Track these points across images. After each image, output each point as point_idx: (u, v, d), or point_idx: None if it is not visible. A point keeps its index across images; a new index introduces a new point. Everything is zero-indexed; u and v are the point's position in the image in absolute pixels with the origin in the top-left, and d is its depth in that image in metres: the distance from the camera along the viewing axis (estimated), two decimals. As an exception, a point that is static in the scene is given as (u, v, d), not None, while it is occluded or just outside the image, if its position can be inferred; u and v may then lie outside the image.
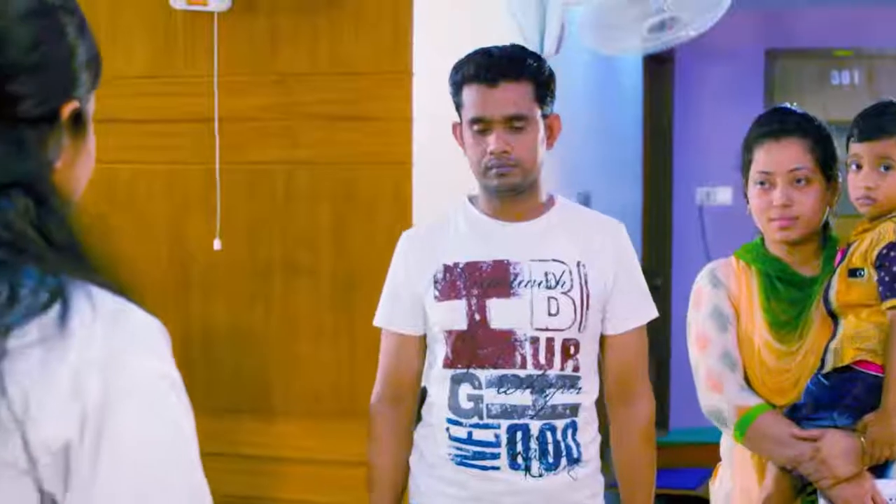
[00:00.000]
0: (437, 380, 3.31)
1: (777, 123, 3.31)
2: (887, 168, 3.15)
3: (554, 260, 3.25)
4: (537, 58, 3.30)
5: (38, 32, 1.48)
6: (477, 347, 3.22)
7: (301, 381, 4.38)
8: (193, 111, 4.44)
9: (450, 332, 3.26)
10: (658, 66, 8.67)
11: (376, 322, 3.41)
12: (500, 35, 3.79)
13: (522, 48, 3.32)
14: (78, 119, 1.51)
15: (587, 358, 3.28)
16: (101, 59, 1.60)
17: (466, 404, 3.24)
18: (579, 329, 3.24)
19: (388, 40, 4.23)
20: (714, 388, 3.25)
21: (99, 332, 1.39)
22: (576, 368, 3.25)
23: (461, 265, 3.26)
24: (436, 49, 4.30)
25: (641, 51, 5.88)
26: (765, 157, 3.27)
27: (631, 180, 8.32)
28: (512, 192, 3.25)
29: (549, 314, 3.21)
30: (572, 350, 3.24)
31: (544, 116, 3.25)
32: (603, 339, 3.33)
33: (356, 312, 4.27)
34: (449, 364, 3.26)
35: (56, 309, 1.36)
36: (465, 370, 3.24)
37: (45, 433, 1.32)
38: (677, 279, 8.54)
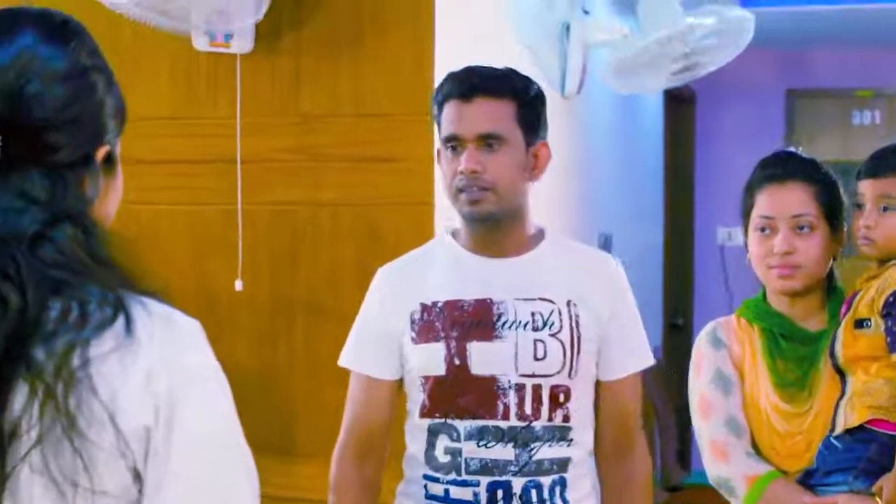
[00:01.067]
0: (413, 430, 3.03)
1: (781, 167, 3.18)
2: (886, 209, 3.03)
3: (541, 299, 2.96)
4: (525, 79, 3.04)
5: (72, 91, 1.71)
6: (456, 395, 2.93)
7: (324, 422, 4.37)
8: (216, 152, 4.45)
9: (427, 378, 2.96)
10: (679, 106, 8.68)
11: (341, 362, 3.14)
12: (522, 76, 3.80)
13: (512, 70, 3.06)
14: (108, 160, 1.77)
15: (580, 406, 2.98)
16: (125, 106, 1.86)
17: (444, 458, 2.95)
18: (570, 375, 2.94)
19: (410, 81, 4.24)
20: (720, 457, 3.07)
21: (157, 335, 1.66)
22: (566, 418, 2.95)
23: (440, 304, 2.97)
24: (457, 90, 4.30)
25: (662, 87, 5.89)
26: (767, 202, 3.13)
27: (652, 220, 8.31)
28: (488, 223, 2.96)
29: (536, 358, 2.91)
30: (562, 398, 2.94)
31: (529, 143, 2.97)
32: (597, 386, 3.06)
33: (378, 353, 4.26)
34: (425, 413, 2.97)
35: (121, 320, 1.63)
36: (442, 420, 2.95)
37: (130, 423, 1.60)
38: (699, 319, 8.53)
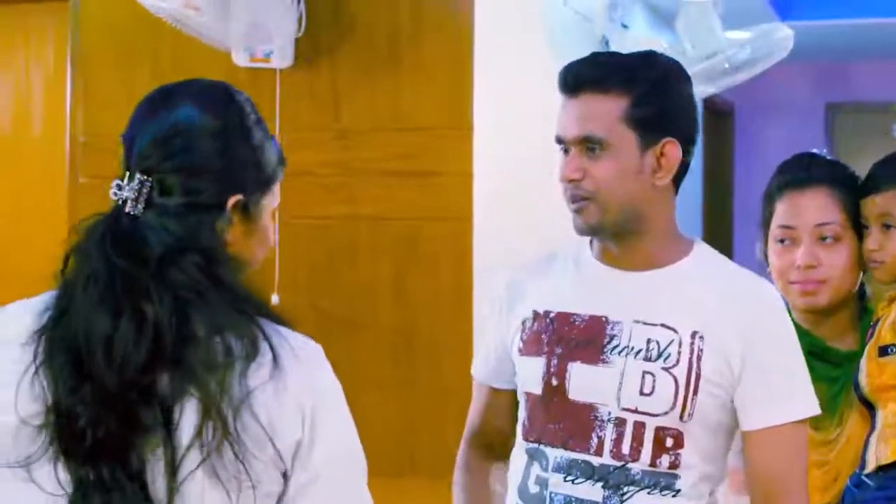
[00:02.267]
0: (517, 450, 2.69)
1: (802, 171, 2.84)
2: (888, 227, 2.74)
3: (663, 325, 2.52)
4: (649, 66, 2.57)
5: (219, 146, 1.99)
6: (549, 420, 2.57)
7: (362, 437, 4.36)
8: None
9: (527, 395, 2.63)
10: (718, 120, 8.66)
11: (472, 370, 2.86)
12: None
13: (638, 56, 2.64)
14: (244, 208, 2.01)
15: (695, 456, 2.51)
16: (277, 164, 2.12)
17: (533, 488, 2.61)
18: (682, 417, 2.48)
19: (449, 96, 4.24)
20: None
21: (296, 362, 1.94)
22: (673, 465, 2.50)
23: (552, 314, 2.60)
24: (496, 104, 4.30)
25: (699, 95, 5.87)
26: (787, 210, 2.81)
27: (692, 235, 8.28)
28: (600, 235, 2.60)
29: (642, 393, 2.49)
30: (669, 442, 2.50)
31: (647, 143, 2.52)
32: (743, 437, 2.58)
33: (418, 368, 4.27)
34: (525, 434, 2.64)
35: (268, 352, 1.90)
36: (536, 445, 2.59)
37: (286, 441, 1.88)
38: (738, 334, 8.48)
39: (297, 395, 1.92)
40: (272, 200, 2.11)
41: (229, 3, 4.11)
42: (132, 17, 4.64)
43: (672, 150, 2.53)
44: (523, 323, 2.65)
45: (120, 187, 1.96)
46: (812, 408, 2.53)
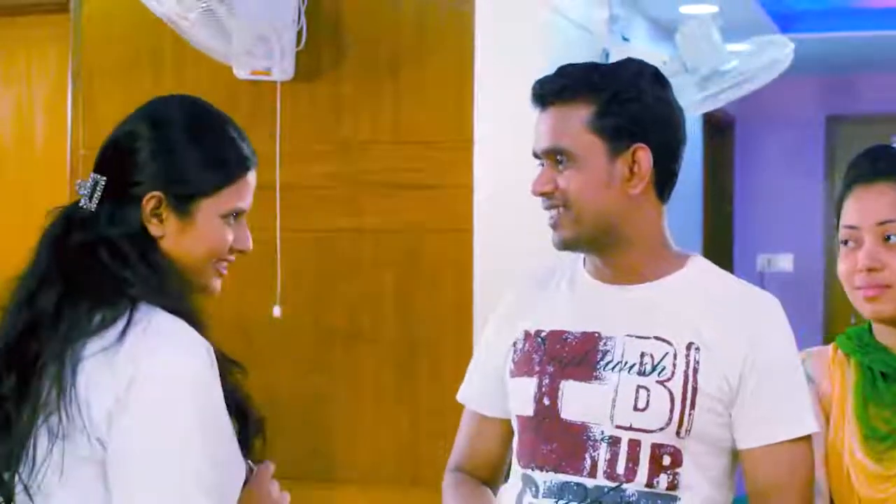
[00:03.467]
0: (513, 476, 2.57)
1: (868, 166, 2.54)
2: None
3: (656, 338, 2.42)
4: (616, 71, 2.50)
5: (147, 150, 2.18)
6: (540, 442, 2.46)
7: (364, 450, 4.37)
8: (256, 179, 4.46)
9: (519, 419, 2.52)
10: (719, 132, 8.66)
11: (458, 395, 2.78)
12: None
13: (619, 61, 2.56)
14: (176, 206, 2.16)
15: (696, 475, 2.40)
16: (214, 167, 2.21)
17: None
18: (678, 433, 2.37)
19: (450, 108, 4.24)
20: None
21: (138, 337, 2.03)
22: (672, 486, 2.38)
23: (544, 334, 2.52)
24: (497, 117, 4.31)
25: (697, 110, 5.88)
26: (852, 208, 2.52)
27: (691, 247, 8.29)
28: (580, 250, 2.53)
29: (636, 408, 2.38)
30: (667, 461, 2.38)
31: (616, 150, 2.43)
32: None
33: (420, 380, 4.27)
34: (517, 460, 2.53)
35: (119, 328, 2.03)
36: (528, 470, 2.48)
37: (99, 408, 2.00)
38: (739, 346, 8.48)
39: (123, 366, 2.02)
40: (222, 204, 2.21)
41: (231, 16, 4.11)
42: (134, 31, 4.65)
43: (643, 156, 2.44)
44: (514, 344, 2.57)
45: (80, 186, 2.21)
46: (809, 426, 2.42)
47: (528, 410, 2.48)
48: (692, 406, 2.38)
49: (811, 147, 8.92)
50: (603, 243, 2.48)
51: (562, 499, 2.41)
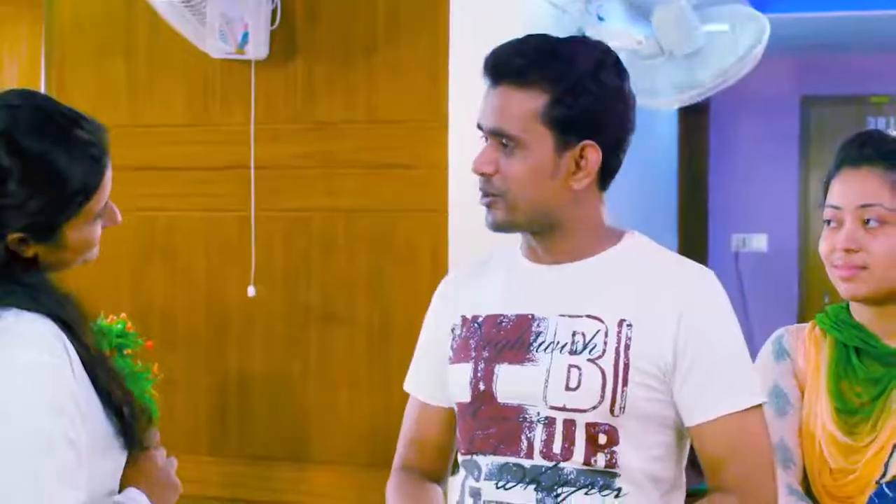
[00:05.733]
0: (460, 467, 2.53)
1: (856, 149, 2.57)
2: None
3: (588, 316, 2.36)
4: (575, 58, 2.37)
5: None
6: (478, 427, 2.41)
7: (337, 430, 4.38)
8: (230, 159, 4.46)
9: (458, 406, 2.48)
10: (693, 114, 8.67)
11: (405, 385, 2.71)
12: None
13: (577, 43, 2.43)
14: (46, 239, 2.13)
15: (638, 455, 2.35)
16: (52, 198, 2.12)
17: (468, 501, 2.44)
18: (612, 411, 2.32)
19: (425, 89, 4.24)
20: None
21: None
22: (610, 464, 2.33)
23: (480, 319, 2.46)
24: (472, 97, 4.29)
25: (674, 105, 5.88)
26: (837, 189, 2.56)
27: (666, 227, 8.31)
28: (507, 231, 2.45)
29: (568, 388, 2.33)
30: (602, 440, 2.33)
31: (565, 144, 2.35)
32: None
33: (392, 361, 4.27)
34: (459, 447, 2.50)
35: None
36: (469, 456, 2.44)
37: None
38: (713, 326, 8.50)
39: None
40: (88, 214, 2.17)
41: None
42: (106, 13, 4.64)
43: (592, 154, 2.36)
44: (452, 330, 2.52)
45: None
46: (755, 396, 2.35)
47: (466, 396, 2.43)
48: (625, 383, 2.31)
49: (786, 127, 8.92)
50: (537, 229, 2.41)
51: (501, 480, 2.38)
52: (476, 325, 2.46)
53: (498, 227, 2.41)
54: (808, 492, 2.56)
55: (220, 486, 4.36)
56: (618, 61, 2.42)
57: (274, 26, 4.30)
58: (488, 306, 2.46)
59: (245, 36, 4.22)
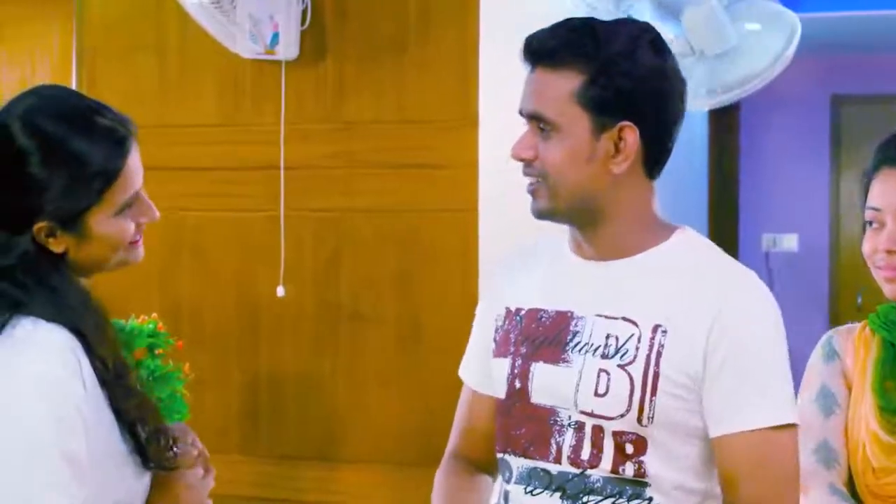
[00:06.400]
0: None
1: (893, 148, 2.52)
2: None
3: (624, 319, 2.27)
4: (611, 37, 2.28)
5: (19, 173, 2.11)
6: (512, 426, 2.35)
7: (366, 430, 4.38)
8: (260, 159, 4.47)
9: (497, 401, 2.42)
10: (724, 114, 8.65)
11: (459, 370, 2.66)
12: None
13: (615, 23, 2.35)
14: (65, 228, 2.13)
15: (667, 465, 2.25)
16: (89, 180, 2.12)
17: (500, 503, 2.40)
18: (640, 420, 2.22)
19: (454, 88, 4.24)
20: (801, 492, 2.31)
21: (1, 346, 2.05)
22: (640, 474, 2.23)
23: (523, 312, 2.39)
24: (502, 95, 4.30)
25: (706, 107, 5.86)
26: (877, 190, 2.50)
27: (697, 228, 8.27)
28: (556, 221, 2.37)
29: (597, 393, 2.24)
30: (630, 449, 2.24)
31: (602, 126, 2.25)
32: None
33: (422, 360, 4.26)
34: (496, 443, 2.43)
35: None
36: (501, 455, 2.38)
37: None
38: (743, 326, 8.47)
39: None
40: (112, 204, 2.17)
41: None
42: (137, 11, 4.65)
43: (630, 135, 2.26)
44: (496, 321, 2.45)
45: None
46: (786, 415, 2.21)
47: (502, 393, 2.37)
48: (653, 392, 2.21)
49: (816, 127, 8.89)
50: (581, 217, 2.32)
51: (530, 485, 2.32)
52: (518, 318, 2.39)
53: (541, 214, 2.33)
54: (855, 492, 2.51)
55: (250, 486, 4.36)
56: (657, 39, 2.32)
57: (304, 26, 4.31)
58: (531, 299, 2.39)
59: (275, 36, 4.22)
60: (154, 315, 4.02)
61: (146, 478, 2.19)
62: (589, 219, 2.32)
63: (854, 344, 2.59)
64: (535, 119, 2.28)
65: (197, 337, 4.47)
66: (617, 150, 2.27)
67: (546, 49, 2.28)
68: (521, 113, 2.33)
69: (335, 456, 4.42)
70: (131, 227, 2.21)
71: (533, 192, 2.32)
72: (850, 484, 2.52)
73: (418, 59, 4.30)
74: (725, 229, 8.82)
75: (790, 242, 8.69)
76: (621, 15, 4.95)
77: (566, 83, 2.25)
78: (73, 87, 4.70)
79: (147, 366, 3.84)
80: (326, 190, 4.41)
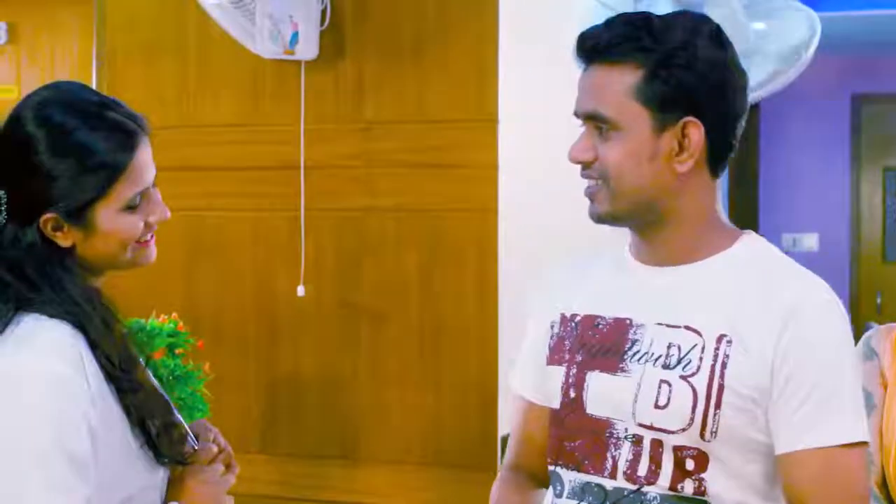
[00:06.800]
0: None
1: None
2: None
3: (686, 328, 2.16)
4: (670, 29, 2.17)
5: (26, 164, 2.12)
6: (565, 437, 2.25)
7: (387, 429, 4.38)
8: (280, 159, 4.47)
9: (550, 411, 2.31)
10: (743, 112, 8.64)
11: (511, 381, 2.53)
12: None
13: (673, 15, 2.22)
14: (71, 219, 2.13)
15: (730, 483, 2.13)
16: (95, 171, 2.13)
17: None
18: (703, 435, 2.11)
19: (474, 88, 4.23)
20: None
21: (2, 344, 2.07)
22: (699, 492, 2.12)
23: (578, 318, 2.29)
24: (521, 95, 4.30)
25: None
26: None
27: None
28: (611, 223, 2.26)
29: (657, 406, 2.14)
30: (690, 465, 2.12)
31: (664, 123, 2.15)
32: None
33: (442, 360, 4.26)
34: (547, 455, 2.32)
35: None
36: (553, 467, 2.28)
37: None
38: (763, 326, 8.46)
39: None
40: (119, 199, 2.16)
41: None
42: (157, 12, 4.66)
43: (694, 131, 2.16)
44: (551, 327, 2.34)
45: None
46: (857, 432, 2.09)
47: (556, 402, 2.26)
48: (717, 406, 2.10)
49: (836, 126, 8.88)
50: (642, 220, 2.22)
51: (583, 500, 2.21)
52: (573, 324, 2.29)
53: (601, 218, 2.23)
54: (889, 495, 2.48)
55: (270, 485, 4.37)
56: (717, 30, 2.22)
57: (323, 26, 4.31)
58: (587, 305, 2.29)
59: (295, 36, 4.23)
60: (174, 314, 4.03)
61: (161, 472, 2.19)
62: (651, 222, 2.22)
63: (892, 343, 2.55)
64: (592, 119, 2.18)
65: (217, 336, 4.48)
66: (681, 147, 2.17)
67: (601, 44, 2.17)
68: (576, 114, 2.23)
69: (355, 455, 4.42)
70: (139, 224, 2.20)
71: (592, 195, 2.21)
72: (884, 486, 2.48)
73: (438, 58, 4.30)
74: (745, 229, 8.81)
75: (810, 242, 8.67)
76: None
77: (624, 79, 2.15)
78: (94, 87, 4.72)
79: (167, 365, 3.85)
80: (346, 190, 4.42)
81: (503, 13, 4.22)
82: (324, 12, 4.32)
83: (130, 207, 2.17)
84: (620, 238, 2.36)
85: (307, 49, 4.28)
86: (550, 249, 4.43)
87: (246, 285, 4.57)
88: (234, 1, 4.11)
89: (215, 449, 2.31)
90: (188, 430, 2.32)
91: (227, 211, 4.58)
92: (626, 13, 2.23)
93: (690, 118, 2.15)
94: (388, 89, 4.37)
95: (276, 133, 4.49)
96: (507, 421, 4.11)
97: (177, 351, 3.93)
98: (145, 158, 2.18)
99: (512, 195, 4.23)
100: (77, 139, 2.13)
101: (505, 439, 4.00)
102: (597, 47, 2.17)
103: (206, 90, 4.57)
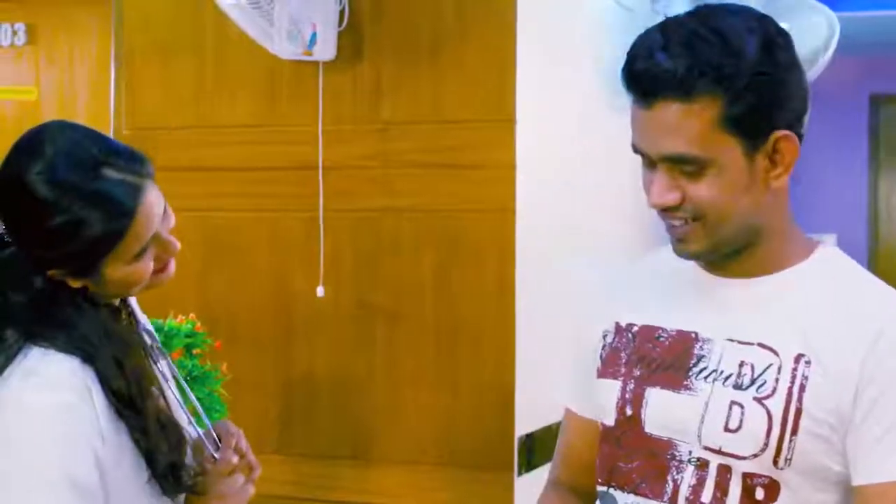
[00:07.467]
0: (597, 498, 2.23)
1: None
2: None
3: (760, 345, 2.02)
4: (739, 44, 1.95)
5: (37, 224, 2.12)
6: (620, 457, 2.12)
7: (403, 430, 4.37)
8: (297, 159, 4.47)
9: (602, 427, 2.19)
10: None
11: (558, 394, 2.44)
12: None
13: (729, 25, 1.99)
14: (85, 275, 2.16)
15: None
16: (85, 245, 2.13)
17: None
18: (776, 463, 1.97)
19: (492, 88, 4.23)
20: None
21: (9, 376, 2.09)
22: None
23: (635, 328, 2.16)
24: (539, 95, 4.30)
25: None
26: None
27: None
28: (707, 259, 2.11)
29: (727, 429, 1.99)
30: (760, 494, 1.97)
31: (755, 145, 1.99)
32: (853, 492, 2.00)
33: (459, 361, 4.26)
34: (597, 474, 2.20)
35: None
36: (605, 487, 2.15)
37: None
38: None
39: None
40: (127, 252, 2.16)
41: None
42: (174, 12, 4.66)
43: (786, 144, 2.02)
44: (604, 336, 2.23)
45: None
46: None
47: (610, 419, 2.15)
48: (794, 432, 1.96)
49: (855, 127, 8.86)
50: (739, 244, 2.08)
51: None
52: (630, 335, 2.17)
53: (695, 256, 2.10)
54: None
55: (286, 485, 4.37)
56: (780, 28, 2.08)
57: (342, 27, 4.31)
58: (646, 315, 2.17)
59: (313, 37, 4.23)
60: (192, 315, 4.03)
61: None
62: (746, 242, 2.09)
63: None
64: (674, 161, 2.00)
65: (234, 337, 4.48)
66: (772, 162, 2.04)
67: (671, 81, 1.96)
68: (638, 151, 2.06)
69: (371, 456, 4.42)
70: (149, 266, 2.22)
71: (683, 235, 2.06)
72: None
73: (455, 59, 4.29)
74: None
75: (829, 243, 8.67)
76: (658, 15, 4.93)
77: (706, 112, 1.96)
78: (112, 88, 4.72)
79: (185, 366, 3.85)
80: (364, 190, 4.42)
81: (520, 13, 4.22)
82: (342, 13, 4.32)
83: (138, 256, 2.19)
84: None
85: (325, 50, 4.28)
86: (568, 250, 4.42)
87: (263, 286, 4.57)
88: (252, 1, 4.10)
89: (235, 459, 2.31)
90: (211, 431, 2.32)
91: (244, 211, 4.58)
92: (674, 29, 2.00)
93: (781, 132, 2.02)
94: (405, 90, 4.37)
95: (293, 134, 4.49)
96: (524, 421, 4.12)
97: (194, 351, 3.93)
98: (150, 208, 2.16)
99: (529, 195, 4.23)
100: (72, 217, 2.11)
101: (521, 440, 4.01)
102: (664, 81, 1.96)
103: (224, 90, 4.58)
